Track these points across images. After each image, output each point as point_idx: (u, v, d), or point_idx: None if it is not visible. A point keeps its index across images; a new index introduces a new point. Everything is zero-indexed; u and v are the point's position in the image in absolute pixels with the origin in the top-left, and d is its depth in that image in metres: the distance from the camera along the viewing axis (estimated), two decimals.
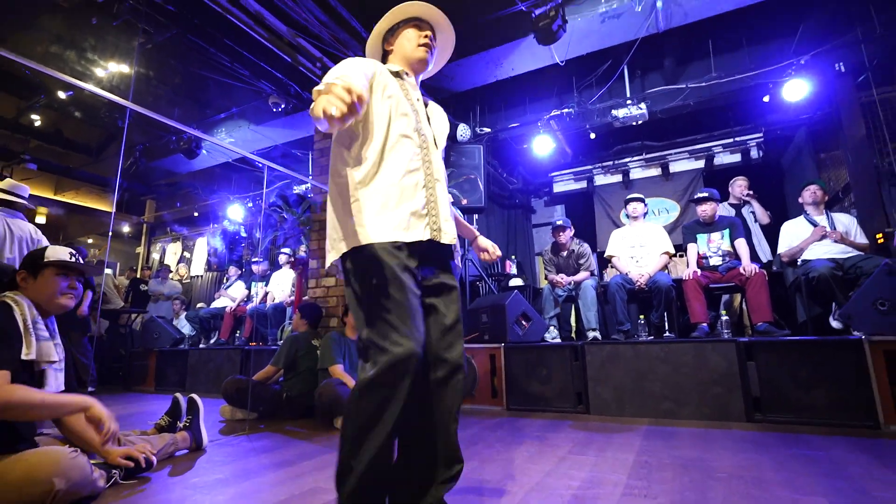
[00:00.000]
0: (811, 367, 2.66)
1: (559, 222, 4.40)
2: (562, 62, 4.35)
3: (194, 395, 2.39)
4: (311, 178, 4.85)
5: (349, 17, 4.00)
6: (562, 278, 4.20)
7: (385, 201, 1.23)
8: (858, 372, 2.55)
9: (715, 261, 3.75)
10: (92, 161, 8.02)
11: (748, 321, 4.02)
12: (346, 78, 1.13)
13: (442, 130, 1.52)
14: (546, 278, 4.41)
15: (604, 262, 5.11)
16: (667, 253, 3.94)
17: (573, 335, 4.57)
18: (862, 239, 3.48)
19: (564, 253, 4.36)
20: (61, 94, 5.79)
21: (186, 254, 9.81)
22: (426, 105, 1.50)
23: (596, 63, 4.83)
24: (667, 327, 3.89)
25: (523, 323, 3.63)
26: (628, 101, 4.88)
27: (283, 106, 4.98)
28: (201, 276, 9.07)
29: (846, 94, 4.60)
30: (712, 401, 2.80)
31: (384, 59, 1.53)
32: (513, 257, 6.02)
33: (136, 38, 4.30)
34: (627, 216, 4.27)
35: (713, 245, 3.80)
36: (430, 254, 1.30)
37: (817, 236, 3.49)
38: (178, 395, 2.39)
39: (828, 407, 2.58)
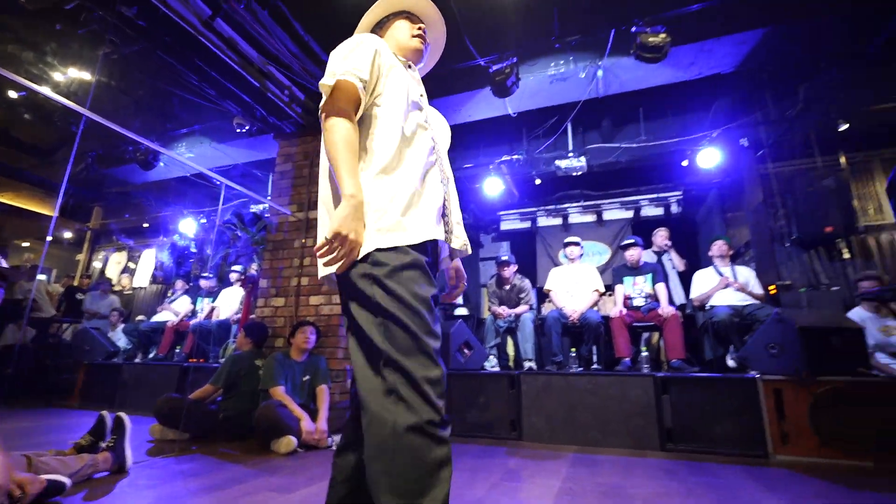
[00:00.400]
0: (715, 401, 2.83)
1: (504, 258, 4.51)
2: (514, 114, 4.57)
3: (121, 414, 2.19)
4: (269, 198, 4.71)
5: (319, 51, 4.02)
6: (503, 310, 4.28)
7: (414, 194, 1.04)
8: (752, 407, 2.75)
9: (638, 301, 3.96)
10: (39, 163, 7.39)
11: (665, 357, 4.25)
12: (356, 70, 1.06)
13: (444, 132, 1.40)
14: (489, 309, 4.47)
15: (542, 296, 5.26)
16: (597, 291, 4.13)
17: (511, 364, 4.62)
18: (759, 290, 3.81)
19: (507, 286, 4.45)
20: (12, 94, 5.35)
21: (131, 264, 9.12)
22: None
23: (544, 117, 5.11)
24: (595, 360, 4.03)
25: (465, 351, 3.64)
26: (570, 154, 5.17)
27: (247, 128, 4.86)
28: (144, 289, 8.44)
29: (748, 165, 5.12)
30: (633, 431, 2.91)
31: None
32: None
33: (101, 47, 4.09)
34: (566, 257, 4.46)
35: (637, 287, 4.02)
36: (433, 261, 1.09)
37: (721, 285, 3.80)
38: (104, 412, 2.18)
39: (727, 438, 2.75)
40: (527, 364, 3.90)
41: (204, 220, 7.45)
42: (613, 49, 3.72)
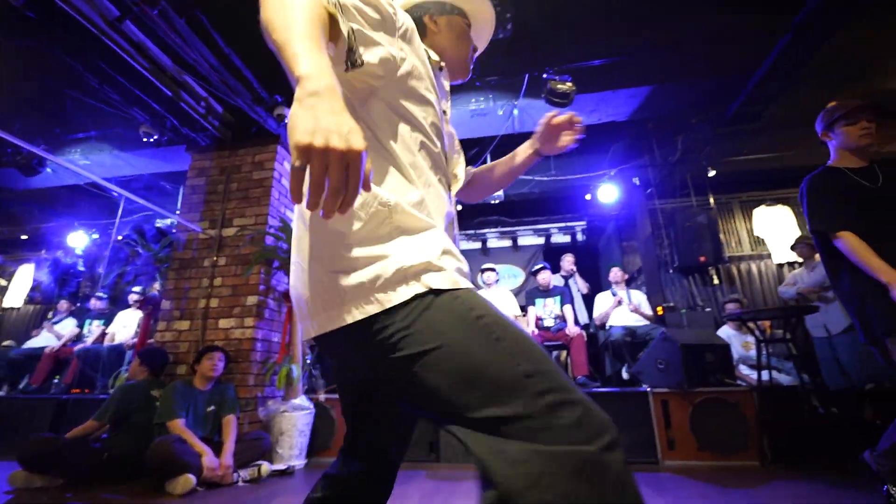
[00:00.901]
0: (614, 413, 3.03)
1: None
2: None
3: None
4: (177, 213, 4.31)
5: (241, 65, 3.82)
6: None
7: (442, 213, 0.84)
8: (645, 417, 2.99)
9: (548, 322, 4.18)
10: None
11: (571, 374, 4.50)
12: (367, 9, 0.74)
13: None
14: None
15: None
16: (514, 315, 4.29)
17: None
18: (649, 311, 4.21)
19: None
20: None
21: (2, 281, 7.75)
22: None
23: (466, 148, 5.24)
24: None
25: None
26: None
27: (155, 137, 4.43)
28: (17, 310, 7.21)
29: (639, 201, 5.71)
30: None
31: (420, 31, 1.01)
32: None
33: None
34: (483, 282, 4.59)
35: (547, 309, 4.25)
36: None
37: (615, 304, 4.15)
38: None
39: (625, 447, 2.96)
40: None
41: (97, 235, 6.59)
42: (528, 91, 3.99)
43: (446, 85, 1.04)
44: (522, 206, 6.65)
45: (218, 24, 3.52)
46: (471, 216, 7.33)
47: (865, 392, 3.39)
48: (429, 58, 0.94)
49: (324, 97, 0.56)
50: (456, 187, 1.05)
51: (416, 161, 0.82)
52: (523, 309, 4.66)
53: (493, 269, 4.55)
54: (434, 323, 0.65)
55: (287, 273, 3.56)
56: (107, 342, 4.44)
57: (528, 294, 4.44)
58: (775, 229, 5.66)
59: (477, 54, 1.15)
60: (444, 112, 0.98)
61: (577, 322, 4.27)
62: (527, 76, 3.88)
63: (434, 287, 0.67)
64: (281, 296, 3.72)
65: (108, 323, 4.72)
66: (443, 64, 1.02)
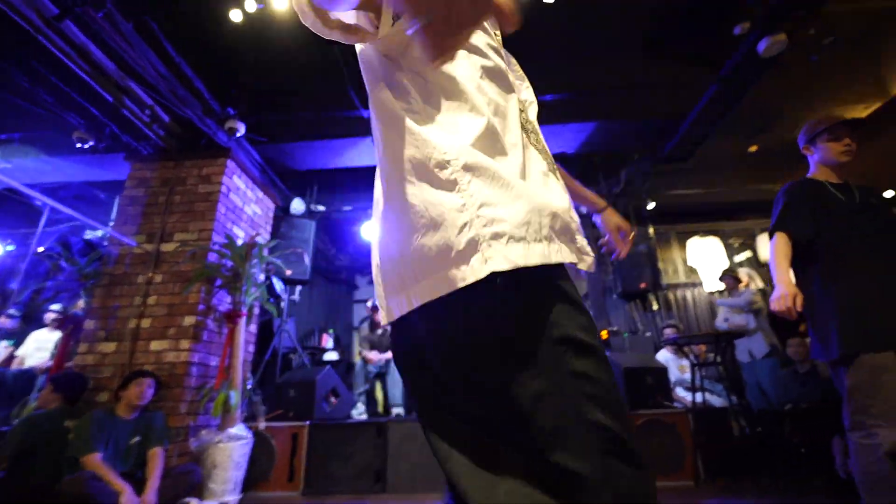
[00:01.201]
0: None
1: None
2: None
3: None
4: (111, 225, 3.98)
5: (192, 75, 3.66)
6: (374, 355, 4.15)
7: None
8: None
9: None
10: None
11: None
12: None
13: None
14: (360, 354, 4.30)
15: None
16: None
17: (380, 410, 4.44)
18: None
19: (380, 331, 4.36)
20: None
21: None
22: None
23: None
24: None
25: (332, 399, 3.40)
26: None
27: (91, 143, 4.11)
28: None
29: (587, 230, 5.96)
30: None
31: None
32: (331, 331, 5.75)
33: None
34: None
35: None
36: None
37: None
38: None
39: None
40: (395, 410, 3.79)
41: (12, 247, 5.94)
42: None
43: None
44: None
45: (170, 32, 3.37)
46: None
47: (785, 413, 3.64)
48: None
49: None
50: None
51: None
52: None
53: None
54: None
55: (230, 292, 3.36)
56: (15, 366, 3.95)
57: None
58: (706, 259, 6.09)
59: None
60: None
61: None
62: None
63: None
64: (222, 316, 3.49)
65: (17, 344, 4.21)
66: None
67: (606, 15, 3.76)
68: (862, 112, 4.47)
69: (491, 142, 0.64)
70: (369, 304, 4.46)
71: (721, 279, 4.79)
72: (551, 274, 0.60)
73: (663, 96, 4.18)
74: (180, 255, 3.44)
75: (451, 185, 0.60)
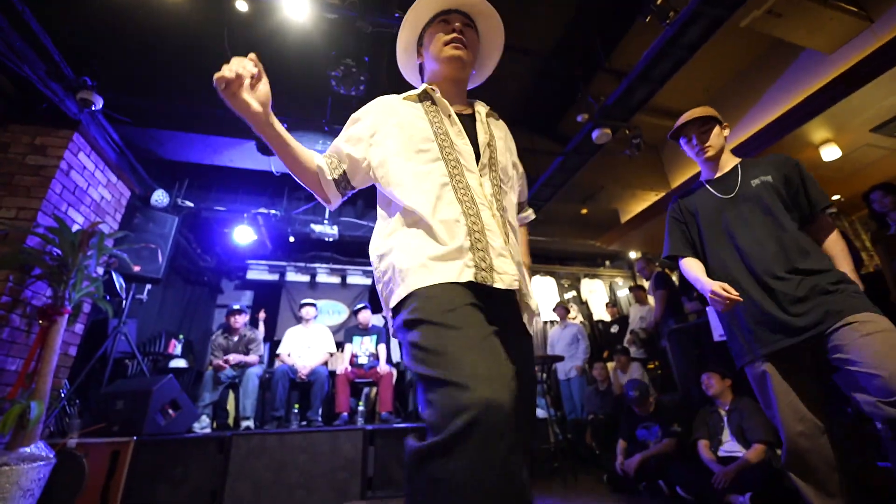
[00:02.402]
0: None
1: (236, 307, 4.00)
2: (277, 173, 4.36)
3: None
4: None
5: (40, 31, 2.92)
6: (230, 358, 3.66)
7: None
8: None
9: (363, 359, 4.10)
10: None
11: (378, 409, 4.44)
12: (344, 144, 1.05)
13: (500, 146, 1.04)
14: (210, 363, 3.77)
15: (275, 349, 4.84)
16: (329, 353, 4.09)
17: (230, 422, 3.92)
18: None
19: (235, 337, 3.90)
20: None
21: None
22: (478, 117, 1.03)
23: None
24: (320, 415, 3.86)
25: (169, 412, 2.90)
26: (326, 221, 5.22)
27: None
28: None
29: None
30: (338, 484, 2.82)
31: (422, 77, 1.13)
32: (181, 337, 4.93)
33: None
34: (302, 317, 4.29)
35: (364, 347, 4.18)
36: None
37: None
38: None
39: None
40: (244, 423, 3.39)
41: None
42: None
43: (444, 101, 1.02)
44: (355, 247, 6.60)
45: None
46: (305, 248, 6.90)
47: (587, 421, 4.25)
48: (420, 94, 1.05)
49: None
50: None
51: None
52: (339, 345, 4.49)
53: (313, 305, 4.30)
54: None
55: (51, 284, 2.68)
56: None
57: (348, 331, 4.31)
58: (543, 295, 6.92)
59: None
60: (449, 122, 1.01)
61: (388, 360, 4.30)
62: None
63: None
64: (36, 312, 2.76)
65: None
66: (431, 88, 1.04)
67: (485, 90, 4.13)
68: (652, 198, 5.66)
69: None
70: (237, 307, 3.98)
71: (554, 310, 5.49)
72: None
73: (524, 160, 4.72)
74: None
75: None
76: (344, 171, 1.03)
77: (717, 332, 3.29)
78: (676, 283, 4.71)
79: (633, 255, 7.17)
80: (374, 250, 0.98)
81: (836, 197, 5.36)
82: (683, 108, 5.29)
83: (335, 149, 1.05)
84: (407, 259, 0.86)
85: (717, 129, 1.63)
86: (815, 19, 3.29)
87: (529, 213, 1.27)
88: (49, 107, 3.09)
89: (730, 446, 2.52)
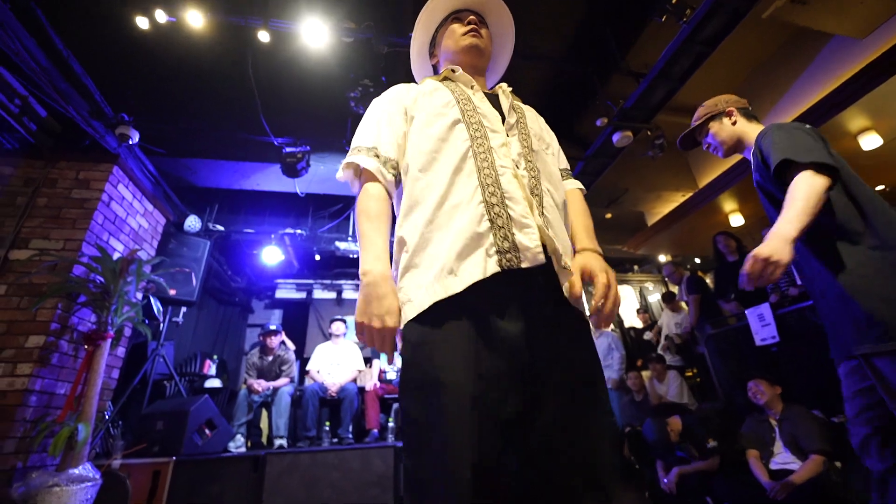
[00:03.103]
0: None
1: (272, 327, 4.08)
2: (301, 194, 4.48)
3: None
4: None
5: (82, 73, 3.15)
6: (259, 384, 3.74)
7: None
8: None
9: (391, 375, 4.10)
10: None
11: None
12: (374, 144, 0.90)
13: (530, 115, 1.01)
14: (245, 382, 3.85)
15: (306, 366, 4.90)
16: (358, 370, 4.11)
17: (263, 440, 3.98)
18: None
19: (270, 357, 3.98)
20: None
21: None
22: (500, 92, 1.00)
23: (331, 202, 5.18)
24: (350, 432, 3.86)
25: (206, 432, 2.96)
26: (349, 238, 5.30)
27: None
28: None
29: None
30: (369, 501, 2.80)
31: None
32: (215, 357, 5.08)
33: None
34: (331, 333, 4.33)
35: (391, 362, 4.18)
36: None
37: None
38: None
39: None
40: (277, 442, 3.43)
41: None
42: None
43: (465, 77, 1.00)
44: None
45: (58, 24, 2.91)
46: (330, 266, 7.03)
47: (624, 434, 4.08)
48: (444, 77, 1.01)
49: (371, 286, 0.78)
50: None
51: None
52: (367, 361, 4.50)
53: (342, 321, 4.34)
54: None
55: (96, 310, 2.82)
56: None
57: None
58: None
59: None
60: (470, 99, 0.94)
61: None
62: None
63: None
64: (82, 337, 2.90)
65: None
66: (451, 68, 1.01)
67: None
68: (679, 199, 5.50)
69: None
70: (273, 327, 4.07)
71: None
72: None
73: None
74: (35, 265, 2.82)
75: None
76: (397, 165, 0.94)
77: (759, 336, 3.12)
78: (711, 285, 4.52)
79: (662, 258, 6.95)
80: (396, 230, 0.89)
81: (880, 187, 5.05)
82: None
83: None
84: (414, 262, 0.78)
85: (716, 126, 1.52)
86: (843, 5, 3.15)
87: (576, 182, 1.11)
88: (91, 143, 3.30)
89: (783, 458, 2.36)
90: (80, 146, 3.32)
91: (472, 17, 1.05)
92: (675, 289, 4.88)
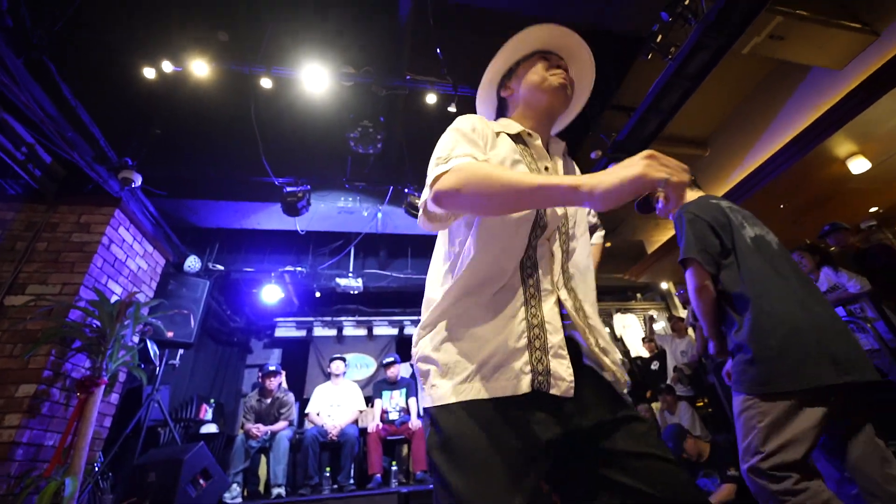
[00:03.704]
0: None
1: (272, 367, 3.98)
2: (302, 232, 4.49)
3: None
4: None
5: (89, 121, 3.23)
6: (258, 429, 3.60)
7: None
8: None
9: (394, 415, 3.95)
10: None
11: (412, 468, 4.20)
12: (463, 158, 0.78)
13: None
14: (242, 427, 3.70)
15: (305, 407, 4.74)
16: (359, 410, 3.97)
17: (260, 489, 3.77)
18: None
19: (269, 400, 3.85)
20: None
21: None
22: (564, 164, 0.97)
23: (331, 240, 5.19)
24: (352, 476, 3.67)
25: (200, 482, 2.81)
26: (350, 275, 5.27)
27: None
28: None
29: None
30: None
31: (500, 112, 1.05)
32: (211, 401, 4.91)
33: None
34: (332, 372, 4.23)
35: (393, 401, 4.04)
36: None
37: None
38: None
39: None
40: (275, 490, 3.25)
41: None
42: (391, 200, 4.21)
43: (542, 149, 0.94)
44: (380, 298, 6.60)
45: (71, 77, 3.01)
46: (330, 303, 6.96)
47: None
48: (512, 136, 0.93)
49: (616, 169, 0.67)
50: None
51: None
52: (369, 400, 4.36)
53: (342, 359, 4.25)
54: None
55: (90, 356, 2.74)
56: None
57: (376, 386, 4.20)
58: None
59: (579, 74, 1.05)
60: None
61: (420, 415, 4.13)
62: (391, 188, 4.13)
63: None
64: (74, 384, 2.81)
65: None
66: (529, 131, 0.94)
67: None
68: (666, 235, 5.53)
69: None
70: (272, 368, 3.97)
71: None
72: None
73: None
74: (30, 310, 2.77)
75: None
76: None
77: None
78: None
79: (664, 285, 6.91)
80: (429, 291, 0.89)
81: (873, 209, 5.10)
82: (698, 134, 5.27)
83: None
84: (451, 350, 0.78)
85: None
86: (819, 39, 3.30)
87: (598, 235, 1.11)
88: (94, 187, 3.34)
89: None
90: (83, 190, 3.35)
91: (561, 61, 1.01)
92: (682, 313, 4.80)
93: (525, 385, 0.73)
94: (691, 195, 1.72)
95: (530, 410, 0.72)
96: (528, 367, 0.74)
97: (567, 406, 0.74)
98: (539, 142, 0.94)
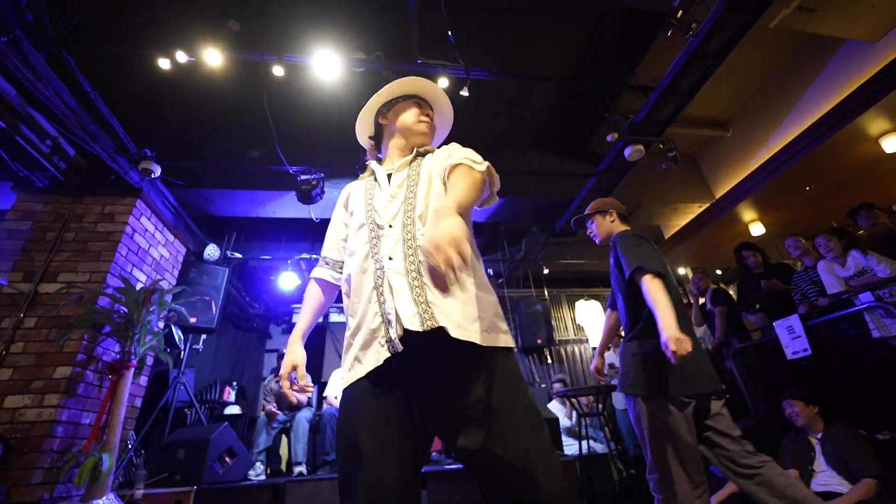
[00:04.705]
0: (461, 488, 2.97)
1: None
2: (317, 220, 4.56)
3: None
4: None
5: (108, 113, 3.33)
6: (278, 411, 3.75)
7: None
8: None
9: None
10: None
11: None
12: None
13: (426, 163, 1.15)
14: (263, 409, 3.87)
15: (324, 392, 4.90)
16: None
17: (283, 467, 3.96)
18: None
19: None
20: None
21: None
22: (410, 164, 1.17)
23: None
24: None
25: (226, 460, 2.97)
26: None
27: None
28: None
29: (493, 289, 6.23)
30: None
31: (377, 132, 1.33)
32: (234, 384, 5.12)
33: None
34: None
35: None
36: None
37: None
38: None
39: None
40: (297, 469, 3.41)
41: None
42: None
43: (379, 170, 1.21)
44: None
45: (90, 70, 3.10)
46: None
47: None
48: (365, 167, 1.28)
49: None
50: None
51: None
52: None
53: None
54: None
55: (119, 340, 2.89)
56: None
57: None
58: (591, 319, 6.64)
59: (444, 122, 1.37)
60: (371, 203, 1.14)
61: None
62: None
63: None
64: (106, 367, 2.97)
65: None
66: (379, 156, 1.32)
67: (513, 119, 4.23)
68: (696, 210, 5.42)
69: None
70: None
71: None
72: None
73: (557, 183, 4.70)
74: (63, 297, 2.93)
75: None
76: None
77: (790, 349, 3.01)
78: (734, 297, 4.39)
79: (681, 271, 6.81)
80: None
81: None
82: (718, 115, 5.12)
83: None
84: (348, 342, 1.03)
85: (599, 219, 2.07)
86: (853, 10, 3.15)
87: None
88: (116, 178, 3.46)
89: (824, 478, 2.24)
90: (106, 181, 3.48)
91: (429, 111, 1.29)
92: (701, 299, 4.74)
93: (384, 355, 0.93)
94: (620, 227, 2.00)
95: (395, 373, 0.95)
96: (384, 339, 0.94)
97: (423, 369, 0.95)
98: (378, 167, 1.22)
